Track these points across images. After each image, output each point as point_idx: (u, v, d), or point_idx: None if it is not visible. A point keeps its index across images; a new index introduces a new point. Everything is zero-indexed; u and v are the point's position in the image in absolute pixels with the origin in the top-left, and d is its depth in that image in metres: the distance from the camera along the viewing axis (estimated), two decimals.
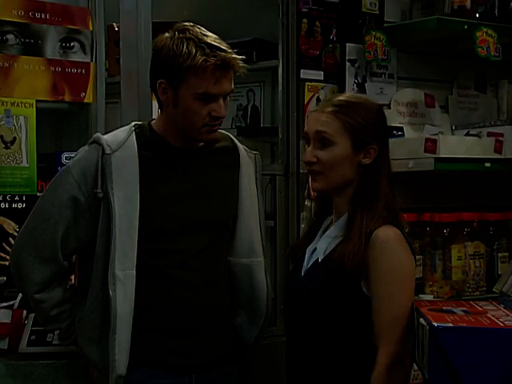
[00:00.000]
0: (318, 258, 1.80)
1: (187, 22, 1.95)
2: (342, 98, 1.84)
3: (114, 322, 1.83)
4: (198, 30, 1.89)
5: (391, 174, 1.83)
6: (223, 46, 1.87)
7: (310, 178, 1.84)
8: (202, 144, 1.99)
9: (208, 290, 1.93)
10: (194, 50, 1.82)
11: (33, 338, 2.17)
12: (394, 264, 1.71)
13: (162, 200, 1.90)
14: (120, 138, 1.91)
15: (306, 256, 1.84)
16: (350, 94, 1.92)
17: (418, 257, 2.86)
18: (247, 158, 2.08)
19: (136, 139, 1.91)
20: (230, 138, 2.10)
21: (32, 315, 2.21)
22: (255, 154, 2.12)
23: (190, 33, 1.86)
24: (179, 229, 1.91)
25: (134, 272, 1.84)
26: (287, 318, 1.92)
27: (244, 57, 1.91)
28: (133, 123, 2.01)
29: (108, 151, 1.88)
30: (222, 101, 1.88)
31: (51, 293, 1.91)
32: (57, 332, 2.07)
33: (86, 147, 1.96)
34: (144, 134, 1.94)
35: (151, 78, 1.94)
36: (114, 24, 2.79)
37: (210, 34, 1.90)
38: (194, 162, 1.97)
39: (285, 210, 2.80)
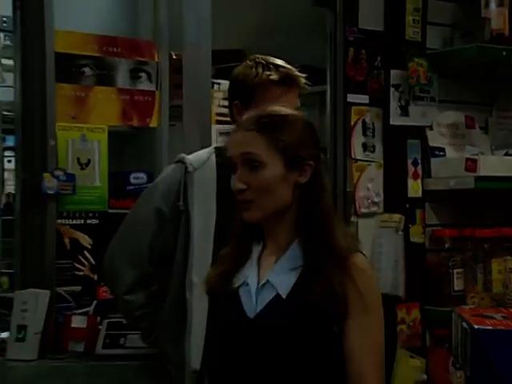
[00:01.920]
0: (277, 294, 1.53)
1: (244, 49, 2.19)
2: (263, 113, 1.61)
3: (190, 323, 2.02)
4: (266, 56, 2.13)
5: (329, 191, 1.61)
6: (287, 65, 2.10)
7: (241, 208, 1.57)
8: None
9: None
10: (260, 70, 2.07)
11: (107, 341, 2.39)
12: (376, 294, 1.56)
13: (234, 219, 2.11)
14: (202, 158, 2.12)
15: (252, 290, 1.55)
16: (271, 108, 1.61)
17: (459, 270, 3.01)
18: None
19: (216, 159, 2.11)
20: None
21: (106, 321, 2.44)
22: None
23: (258, 59, 2.11)
24: None
25: None
26: (228, 366, 1.56)
27: (305, 75, 2.12)
28: (214, 145, 2.24)
29: (190, 169, 2.09)
30: None
31: (137, 295, 2.11)
32: (130, 336, 2.30)
33: (172, 165, 2.18)
34: (223, 155, 2.09)
35: (228, 103, 2.16)
36: (172, 53, 3.03)
37: (277, 59, 2.13)
38: None
39: None
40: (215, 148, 2.18)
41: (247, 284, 1.56)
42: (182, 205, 2.06)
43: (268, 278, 1.55)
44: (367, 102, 3.01)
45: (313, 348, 1.50)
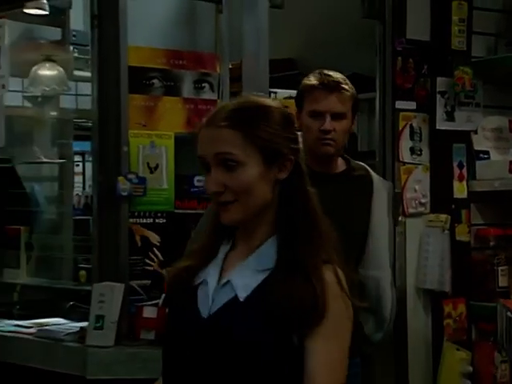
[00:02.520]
0: (236, 296, 1.40)
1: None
2: (235, 106, 1.45)
3: None
4: (325, 69, 2.33)
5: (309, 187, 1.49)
6: (333, 74, 2.29)
7: (219, 210, 1.44)
8: (340, 171, 2.38)
9: None
10: (310, 77, 2.30)
11: None
12: (340, 311, 1.37)
13: None
14: None
15: (210, 290, 1.43)
16: (244, 98, 1.48)
17: (503, 267, 3.16)
18: (381, 185, 2.43)
19: None
20: (366, 169, 2.46)
21: None
22: (389, 183, 2.52)
23: (317, 70, 2.33)
24: None
25: None
26: (176, 367, 1.43)
27: (347, 86, 2.29)
28: None
29: None
30: (328, 118, 2.25)
31: None
32: None
33: None
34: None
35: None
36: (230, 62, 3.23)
37: (332, 71, 2.32)
38: (330, 185, 2.25)
39: None
40: None
41: (207, 283, 1.44)
42: None
43: (230, 277, 1.42)
44: (414, 108, 3.17)
45: (265, 358, 1.34)
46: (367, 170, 2.46)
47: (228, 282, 1.41)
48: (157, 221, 2.81)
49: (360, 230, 2.35)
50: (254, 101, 1.47)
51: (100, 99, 2.71)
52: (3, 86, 3.11)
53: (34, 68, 3.50)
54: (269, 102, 1.49)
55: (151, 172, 2.80)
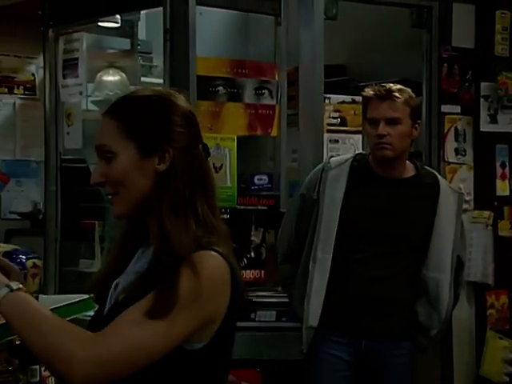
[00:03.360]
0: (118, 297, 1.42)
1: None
2: (120, 97, 1.45)
3: (310, 289, 2.48)
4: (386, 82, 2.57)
5: (205, 182, 1.43)
6: (387, 84, 2.50)
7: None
8: (407, 176, 2.52)
9: (384, 283, 2.46)
10: (368, 89, 2.52)
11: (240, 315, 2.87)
12: (187, 289, 1.31)
13: (358, 210, 2.50)
14: (341, 160, 2.56)
15: (110, 292, 1.46)
16: (138, 88, 1.50)
17: None
18: (449, 193, 2.54)
19: (352, 163, 2.53)
20: (435, 176, 2.59)
21: None
22: (460, 193, 2.63)
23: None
24: (367, 236, 2.47)
25: (331, 256, 2.46)
26: None
27: (398, 93, 2.44)
28: (358, 151, 2.67)
29: (326, 168, 2.54)
30: (382, 123, 2.43)
31: (286, 266, 2.65)
32: (259, 312, 2.79)
33: (319, 165, 2.63)
34: (359, 161, 2.55)
35: None
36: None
37: (390, 84, 2.53)
38: (392, 189, 2.50)
39: None
40: (357, 154, 2.62)
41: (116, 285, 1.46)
42: (314, 195, 2.52)
43: (118, 281, 1.45)
44: (459, 111, 3.39)
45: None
46: (436, 178, 2.59)
47: (117, 284, 1.45)
48: (221, 216, 3.06)
49: (421, 234, 2.50)
50: (137, 92, 1.48)
51: None
52: (80, 93, 3.42)
53: (98, 74, 3.79)
54: (152, 93, 1.44)
55: (216, 171, 3.06)
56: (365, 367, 2.48)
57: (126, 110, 1.40)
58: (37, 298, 1.50)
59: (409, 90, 2.52)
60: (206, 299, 1.32)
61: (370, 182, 2.51)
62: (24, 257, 1.44)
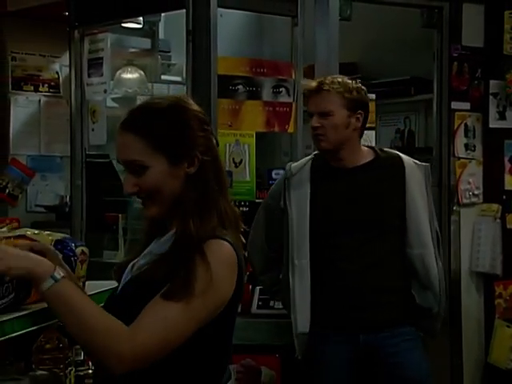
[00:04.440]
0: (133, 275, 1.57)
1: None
2: (134, 110, 1.54)
3: (293, 299, 2.48)
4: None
5: (222, 182, 1.57)
6: (324, 78, 2.50)
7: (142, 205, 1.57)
8: (362, 163, 2.50)
9: (368, 274, 2.43)
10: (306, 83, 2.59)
11: (260, 303, 3.01)
12: (204, 276, 1.44)
13: (325, 207, 2.49)
14: (301, 164, 2.56)
15: (126, 272, 1.60)
16: (146, 100, 1.60)
17: None
18: (415, 168, 2.50)
19: (312, 163, 2.54)
20: (397, 156, 2.54)
21: (258, 288, 3.06)
22: (425, 165, 2.55)
23: None
24: (341, 229, 2.45)
25: (308, 261, 2.45)
26: None
27: (328, 86, 2.43)
28: (316, 152, 2.60)
29: (288, 175, 2.54)
30: (316, 116, 2.44)
31: (267, 276, 2.68)
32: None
33: (282, 174, 2.66)
34: (317, 160, 2.56)
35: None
36: None
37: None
38: (350, 178, 2.49)
39: (438, 214, 3.42)
40: (315, 154, 2.59)
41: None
42: (281, 204, 2.54)
43: (136, 261, 1.58)
44: (469, 108, 3.51)
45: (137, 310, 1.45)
46: (398, 157, 2.54)
47: (137, 262, 1.57)
48: (240, 209, 3.20)
49: (394, 214, 2.48)
50: (152, 103, 1.56)
51: None
52: (105, 91, 3.56)
53: (118, 72, 3.92)
54: (167, 102, 1.53)
55: (236, 166, 3.20)
56: (368, 361, 2.45)
57: (148, 124, 1.49)
58: (84, 284, 1.65)
59: (348, 81, 2.49)
60: (219, 283, 1.45)
61: (330, 176, 2.52)
62: (73, 244, 1.57)
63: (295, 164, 2.60)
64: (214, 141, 1.57)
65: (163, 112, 1.51)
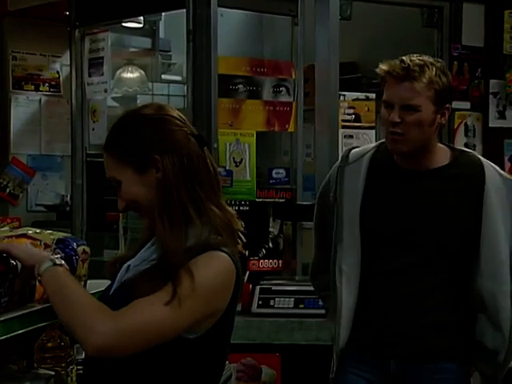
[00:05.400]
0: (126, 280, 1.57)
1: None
2: (109, 131, 1.59)
3: (340, 309, 2.08)
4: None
5: (208, 183, 1.54)
6: (407, 58, 1.96)
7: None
8: (436, 167, 2.03)
9: (416, 300, 2.03)
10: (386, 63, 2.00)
11: (260, 302, 3.01)
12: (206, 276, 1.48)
13: (375, 212, 2.06)
14: (361, 153, 2.10)
15: (120, 272, 1.60)
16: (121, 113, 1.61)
17: None
18: (500, 182, 2.02)
19: (373, 154, 2.08)
20: (478, 163, 2.03)
21: (258, 287, 3.06)
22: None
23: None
24: (390, 242, 2.02)
25: (358, 267, 2.04)
26: None
27: (418, 75, 1.92)
28: (381, 140, 2.14)
29: (343, 163, 2.09)
30: (397, 108, 1.94)
31: (319, 279, 2.25)
32: (278, 299, 2.93)
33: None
34: (381, 152, 2.08)
35: None
36: None
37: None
38: (418, 184, 2.03)
39: None
40: (381, 142, 2.12)
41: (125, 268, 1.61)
42: (332, 196, 2.10)
43: (130, 262, 1.59)
44: (469, 107, 3.54)
45: None
46: (480, 164, 2.04)
47: (129, 265, 1.59)
48: (241, 208, 3.21)
49: (460, 235, 2.03)
50: (117, 119, 1.58)
51: (193, 102, 3.12)
52: (105, 90, 3.57)
53: (118, 71, 3.94)
54: (122, 114, 1.58)
55: (236, 166, 3.20)
56: None
57: (112, 141, 1.55)
58: (85, 282, 1.66)
59: (438, 64, 2.00)
60: (212, 295, 1.48)
61: (390, 176, 2.07)
62: (75, 243, 1.58)
63: (355, 150, 2.13)
64: (193, 139, 1.55)
65: (120, 125, 1.56)
